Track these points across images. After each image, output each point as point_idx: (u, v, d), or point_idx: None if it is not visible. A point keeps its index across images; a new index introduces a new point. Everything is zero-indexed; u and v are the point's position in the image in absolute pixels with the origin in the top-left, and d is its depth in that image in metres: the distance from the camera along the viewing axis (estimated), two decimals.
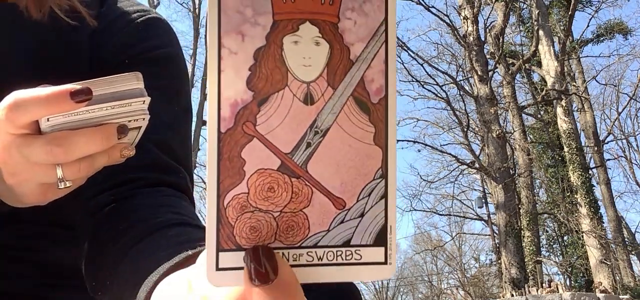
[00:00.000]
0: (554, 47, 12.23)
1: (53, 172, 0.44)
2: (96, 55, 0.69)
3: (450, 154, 14.32)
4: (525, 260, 10.21)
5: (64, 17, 0.66)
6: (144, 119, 0.46)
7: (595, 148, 14.08)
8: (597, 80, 17.30)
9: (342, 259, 0.29)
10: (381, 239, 0.29)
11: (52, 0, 0.66)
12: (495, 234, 15.21)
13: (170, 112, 0.68)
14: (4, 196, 0.49)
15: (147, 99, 0.44)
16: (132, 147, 0.49)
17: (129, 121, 0.45)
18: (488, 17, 12.52)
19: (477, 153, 13.47)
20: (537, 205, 12.13)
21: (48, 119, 0.42)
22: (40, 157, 0.43)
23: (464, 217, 20.43)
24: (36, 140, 0.43)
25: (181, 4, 17.09)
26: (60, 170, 0.44)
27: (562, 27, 13.25)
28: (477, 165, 12.54)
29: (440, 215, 19.84)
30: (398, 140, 13.00)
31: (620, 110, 18.00)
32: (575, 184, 11.54)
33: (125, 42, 0.69)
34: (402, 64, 13.84)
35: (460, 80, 13.97)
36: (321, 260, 0.29)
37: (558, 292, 6.98)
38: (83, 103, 0.41)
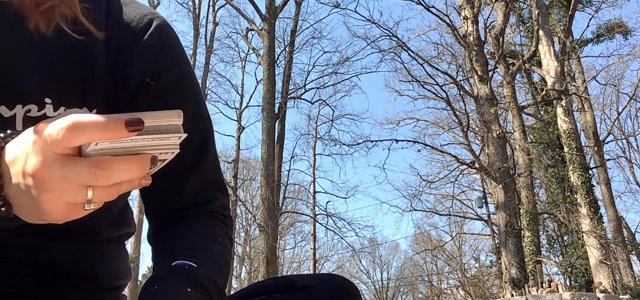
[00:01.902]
0: (554, 47, 12.23)
1: (84, 193, 0.46)
2: (114, 66, 0.72)
3: (450, 154, 14.32)
4: (525, 260, 10.21)
5: (71, 32, 0.67)
6: (173, 153, 0.49)
7: (595, 148, 14.08)
8: (597, 80, 17.33)
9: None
10: None
11: (59, 14, 0.67)
12: (495, 234, 15.21)
13: (199, 131, 0.77)
14: (26, 212, 0.50)
15: (183, 136, 0.47)
16: (149, 176, 0.51)
17: (160, 153, 0.48)
18: (488, 17, 12.52)
19: (477, 153, 13.47)
20: (537, 205, 12.12)
21: (96, 143, 0.44)
22: (84, 179, 0.45)
23: (464, 217, 20.43)
24: (81, 162, 0.45)
25: (181, 4, 17.15)
26: (91, 192, 0.46)
27: (562, 27, 13.25)
28: (477, 165, 12.54)
29: (440, 215, 19.85)
30: (398, 140, 13.01)
31: (620, 110, 18.03)
32: (575, 184, 11.54)
33: (144, 62, 0.72)
34: (402, 64, 13.87)
35: (460, 80, 13.98)
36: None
37: (558, 292, 6.97)
38: (134, 133, 0.43)
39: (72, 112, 0.67)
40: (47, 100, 0.67)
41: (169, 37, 0.76)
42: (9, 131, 0.52)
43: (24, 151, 0.47)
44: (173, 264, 0.65)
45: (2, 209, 0.49)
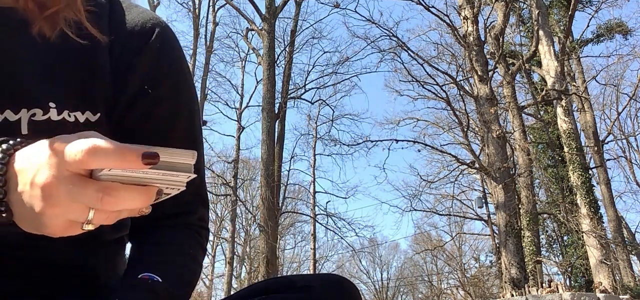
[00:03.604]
0: (554, 47, 12.23)
1: (86, 213, 0.47)
2: (116, 71, 0.73)
3: (450, 154, 14.32)
4: (525, 260, 10.21)
5: (74, 37, 0.68)
6: (178, 190, 0.49)
7: (595, 148, 14.08)
8: (597, 80, 17.34)
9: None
10: None
11: (62, 19, 0.67)
12: (495, 234, 15.21)
13: (190, 142, 0.77)
14: (25, 222, 0.50)
15: (192, 176, 0.48)
16: (149, 206, 0.52)
17: (166, 188, 0.49)
18: (488, 17, 12.52)
19: (477, 153, 13.47)
20: (537, 205, 12.12)
21: (110, 169, 0.45)
22: (91, 201, 0.45)
23: (464, 217, 20.43)
24: (91, 184, 0.45)
25: (181, 4, 17.15)
26: (92, 214, 0.47)
27: (562, 27, 13.25)
28: (477, 165, 12.54)
29: (440, 215, 19.85)
30: (398, 140, 13.01)
31: (620, 110, 18.03)
32: (575, 184, 11.54)
33: (145, 69, 0.73)
34: (402, 64, 13.86)
35: (460, 80, 13.98)
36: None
37: (558, 292, 6.97)
38: (148, 166, 0.44)
39: (75, 114, 0.67)
40: (51, 104, 0.67)
41: (171, 45, 0.77)
42: (18, 139, 0.52)
43: (36, 163, 0.47)
44: (139, 276, 0.67)
45: (3, 215, 0.49)
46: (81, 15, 0.69)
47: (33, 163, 0.47)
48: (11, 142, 0.51)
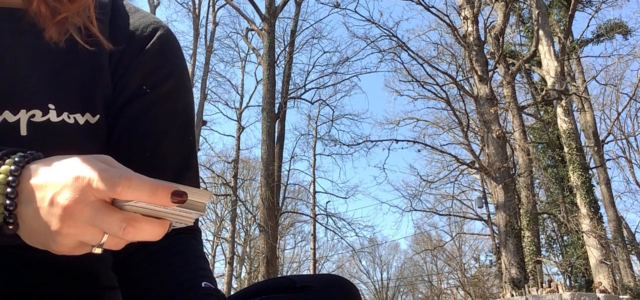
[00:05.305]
0: (554, 47, 12.22)
1: (100, 237, 0.47)
2: (115, 73, 0.73)
3: (450, 154, 14.32)
4: (525, 260, 10.21)
5: (82, 43, 0.68)
6: (185, 224, 0.50)
7: (595, 148, 14.08)
8: (597, 80, 17.34)
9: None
10: None
11: (72, 25, 0.68)
12: (495, 234, 15.21)
13: (186, 145, 0.78)
14: (34, 236, 0.50)
15: (203, 214, 0.49)
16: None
17: (177, 222, 0.49)
18: (488, 17, 12.51)
19: (477, 153, 13.47)
20: (537, 205, 12.12)
21: (136, 201, 0.46)
22: (113, 229, 0.46)
23: (464, 217, 20.43)
24: (116, 213, 0.45)
25: (181, 4, 17.16)
26: (105, 238, 0.47)
27: (562, 27, 13.25)
28: (477, 165, 12.54)
29: (440, 215, 19.85)
30: (398, 140, 13.00)
31: (620, 110, 18.03)
32: (575, 184, 11.54)
33: (144, 69, 0.74)
34: (402, 64, 13.87)
35: (460, 80, 13.98)
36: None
37: (558, 292, 6.97)
38: (175, 204, 0.45)
39: (75, 115, 0.67)
40: (51, 105, 0.67)
41: (171, 48, 0.77)
42: (30, 152, 0.52)
43: (60, 182, 0.47)
44: (203, 284, 0.68)
45: (10, 227, 0.49)
46: (92, 21, 0.69)
47: (54, 180, 0.47)
48: (24, 153, 0.51)
